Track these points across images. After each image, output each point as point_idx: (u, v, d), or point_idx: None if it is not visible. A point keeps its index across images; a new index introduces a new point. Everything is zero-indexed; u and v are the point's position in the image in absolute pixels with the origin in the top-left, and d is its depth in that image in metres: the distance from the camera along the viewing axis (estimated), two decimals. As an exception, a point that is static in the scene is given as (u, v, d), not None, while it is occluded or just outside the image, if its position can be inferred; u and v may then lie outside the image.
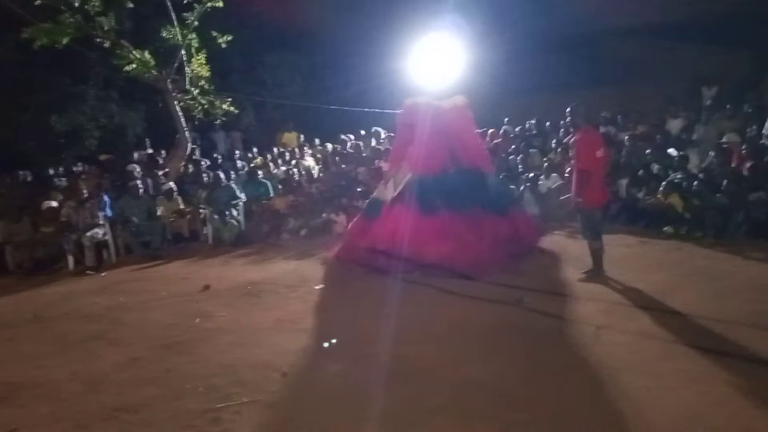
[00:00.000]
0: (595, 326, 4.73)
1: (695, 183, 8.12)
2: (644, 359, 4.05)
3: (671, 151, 9.55)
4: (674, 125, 11.00)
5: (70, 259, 8.68)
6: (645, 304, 5.24)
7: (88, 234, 8.63)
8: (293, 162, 12.53)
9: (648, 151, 9.77)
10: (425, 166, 7.37)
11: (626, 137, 10.67)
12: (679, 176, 8.48)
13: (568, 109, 6.35)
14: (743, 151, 8.50)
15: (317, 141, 14.16)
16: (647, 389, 3.60)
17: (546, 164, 10.33)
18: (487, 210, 7.23)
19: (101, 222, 9.02)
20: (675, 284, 5.78)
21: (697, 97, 12.18)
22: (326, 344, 4.89)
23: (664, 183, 8.35)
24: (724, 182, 7.84)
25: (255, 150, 13.95)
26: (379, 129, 13.42)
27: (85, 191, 9.23)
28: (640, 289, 5.67)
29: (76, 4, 9.89)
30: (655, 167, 9.23)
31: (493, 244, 6.94)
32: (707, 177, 8.27)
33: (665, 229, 8.07)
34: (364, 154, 11.86)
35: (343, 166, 11.56)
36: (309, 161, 12.68)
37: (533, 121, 13.03)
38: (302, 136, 14.60)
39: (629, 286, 5.79)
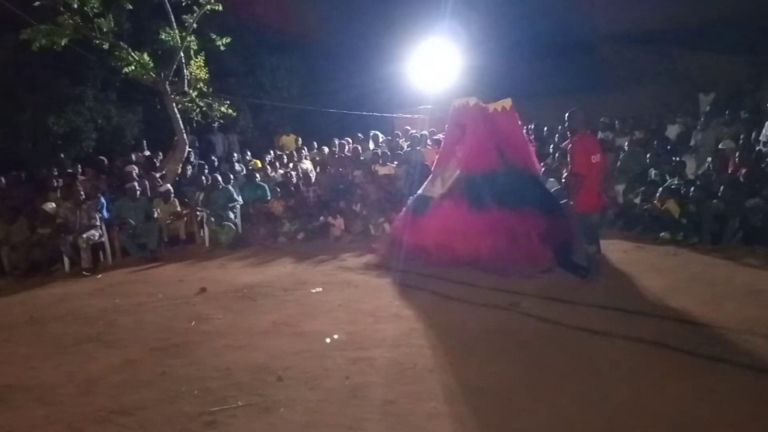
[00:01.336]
0: (592, 332, 4.72)
1: (692, 189, 8.13)
2: (641, 365, 4.05)
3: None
4: (672, 131, 11.04)
5: (66, 261, 8.67)
6: (641, 309, 5.24)
7: (85, 236, 8.61)
8: (291, 165, 12.53)
9: (648, 156, 9.79)
10: (475, 164, 7.44)
11: (626, 143, 10.70)
12: (676, 182, 8.50)
13: (567, 114, 6.37)
14: (738, 158, 8.53)
15: (315, 144, 14.16)
16: (644, 395, 3.60)
17: (543, 169, 10.33)
18: (536, 209, 7.17)
19: (98, 224, 9.00)
20: (671, 290, 5.78)
21: (694, 103, 12.23)
22: (328, 340, 4.98)
23: (661, 189, 8.36)
24: (721, 188, 7.86)
25: (249, 153, 13.94)
26: (378, 132, 13.43)
27: (82, 193, 9.21)
28: (637, 295, 5.68)
29: (75, 6, 9.89)
30: (653, 173, 9.26)
31: (544, 242, 6.90)
32: (704, 183, 8.28)
33: (662, 234, 8.07)
34: (362, 158, 11.86)
35: (341, 169, 11.56)
36: (307, 164, 12.68)
37: (531, 126, 13.04)
38: (300, 140, 14.60)
39: (626, 292, 5.80)
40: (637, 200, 8.77)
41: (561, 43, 14.92)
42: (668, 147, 10.16)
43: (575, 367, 4.09)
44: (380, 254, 7.96)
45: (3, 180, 10.82)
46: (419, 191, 8.15)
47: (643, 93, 13.77)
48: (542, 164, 10.62)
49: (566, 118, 6.39)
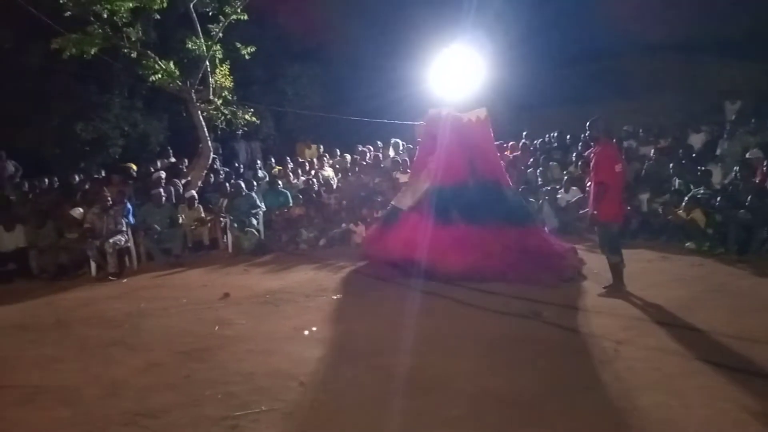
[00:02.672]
0: (615, 341, 4.67)
1: (718, 198, 8.02)
2: (665, 376, 4.00)
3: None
4: (696, 140, 10.90)
5: (93, 265, 8.81)
6: (666, 320, 5.18)
7: (111, 240, 8.75)
8: (312, 172, 12.62)
9: (672, 165, 9.68)
10: (444, 176, 7.44)
11: (651, 151, 10.60)
12: (701, 191, 8.39)
13: (588, 123, 6.35)
14: (765, 167, 8.39)
15: (338, 151, 14.24)
16: (668, 406, 3.55)
17: (566, 177, 10.28)
18: (505, 223, 7.22)
19: (124, 229, 9.14)
20: (696, 300, 5.70)
21: (720, 111, 12.06)
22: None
23: (686, 198, 8.26)
24: (748, 198, 7.74)
25: (272, 160, 14.07)
26: (399, 140, 13.46)
27: (109, 198, 9.37)
28: (661, 305, 5.60)
29: (105, 16, 10.10)
30: (677, 182, 9.15)
31: (513, 255, 6.90)
32: (730, 192, 8.17)
33: (687, 244, 7.97)
34: (382, 165, 11.92)
35: (363, 176, 11.61)
36: (328, 171, 12.76)
37: (554, 134, 12.98)
38: (321, 147, 14.70)
39: (650, 302, 5.72)
40: (662, 209, 8.67)
41: (585, 51, 14.86)
42: (693, 156, 10.04)
43: (597, 376, 4.06)
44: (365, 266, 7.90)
45: (34, 184, 11.06)
46: (392, 203, 8.20)
47: (668, 101, 13.63)
48: (565, 173, 10.59)
49: (587, 127, 6.36)
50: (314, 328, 5.43)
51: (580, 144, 11.45)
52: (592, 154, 6.38)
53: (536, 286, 6.37)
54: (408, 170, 11.22)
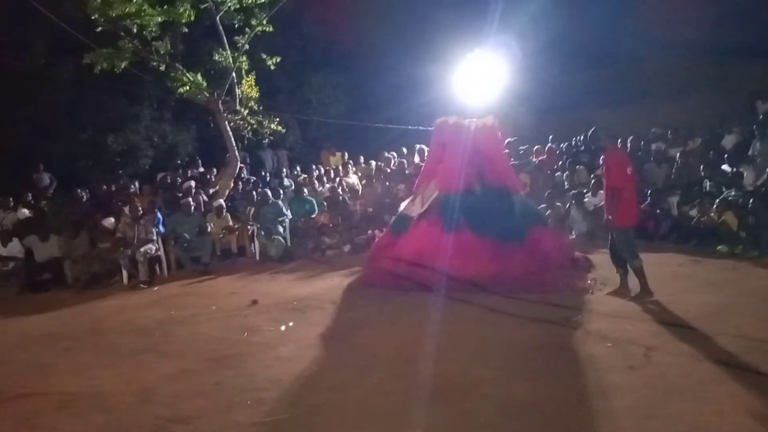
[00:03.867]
0: (645, 347, 4.60)
1: (751, 200, 7.85)
2: (697, 383, 3.92)
3: (725, 167, 9.27)
4: (727, 141, 10.68)
5: (125, 274, 8.99)
6: (697, 325, 5.07)
7: (142, 249, 8.93)
8: (337, 180, 12.69)
9: (702, 167, 9.51)
10: (452, 184, 7.48)
11: (678, 153, 10.43)
12: (733, 193, 8.22)
13: (589, 136, 6.39)
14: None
15: (362, 159, 14.29)
16: (700, 414, 3.49)
17: (593, 180, 10.16)
18: (513, 231, 7.21)
19: (154, 238, 9.32)
20: (729, 305, 5.58)
21: (751, 112, 11.80)
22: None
23: (717, 200, 8.11)
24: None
25: (298, 168, 14.19)
26: (423, 146, 13.44)
27: (140, 208, 9.57)
28: (692, 310, 5.48)
29: (135, 30, 10.35)
30: (708, 184, 8.98)
31: (519, 266, 6.86)
32: (763, 194, 7.99)
33: (719, 248, 7.81)
34: (407, 172, 11.92)
35: (387, 183, 11.64)
36: (353, 179, 12.82)
37: (581, 137, 12.84)
38: (346, 154, 14.77)
39: (681, 307, 5.61)
40: (693, 212, 8.52)
41: (613, 53, 14.70)
42: (725, 156, 9.84)
43: (628, 383, 4.00)
44: (370, 278, 7.71)
45: (66, 195, 11.32)
46: (400, 209, 8.20)
47: (698, 103, 13.38)
48: (592, 176, 10.47)
49: (590, 140, 6.39)
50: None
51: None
52: (603, 160, 6.40)
53: (565, 293, 6.33)
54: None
